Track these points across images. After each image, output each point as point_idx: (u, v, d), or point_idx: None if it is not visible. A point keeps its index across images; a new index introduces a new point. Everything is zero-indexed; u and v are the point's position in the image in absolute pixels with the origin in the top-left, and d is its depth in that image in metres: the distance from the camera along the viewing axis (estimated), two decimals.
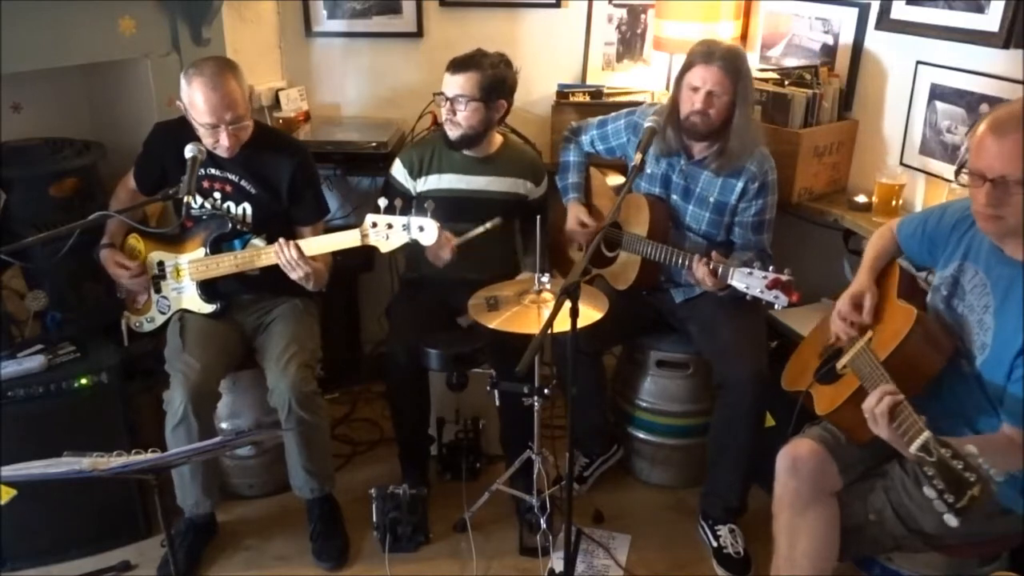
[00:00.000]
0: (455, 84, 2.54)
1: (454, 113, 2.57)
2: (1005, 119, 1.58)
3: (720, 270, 2.20)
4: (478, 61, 2.53)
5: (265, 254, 2.33)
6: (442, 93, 2.57)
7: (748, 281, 2.12)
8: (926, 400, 1.69)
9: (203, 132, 2.29)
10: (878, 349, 1.81)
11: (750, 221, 2.47)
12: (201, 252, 2.40)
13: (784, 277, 2.07)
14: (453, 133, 2.61)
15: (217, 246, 2.41)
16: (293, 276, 2.31)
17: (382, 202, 2.19)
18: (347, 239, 2.25)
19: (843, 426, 1.87)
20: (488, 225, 2.50)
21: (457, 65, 2.54)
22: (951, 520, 1.36)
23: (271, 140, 2.47)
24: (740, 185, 2.44)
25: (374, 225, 2.20)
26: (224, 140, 2.28)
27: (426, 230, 2.17)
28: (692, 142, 2.47)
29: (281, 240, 2.28)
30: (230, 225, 2.40)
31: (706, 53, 2.33)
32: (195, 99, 2.24)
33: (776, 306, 2.09)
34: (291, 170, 2.44)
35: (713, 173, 2.45)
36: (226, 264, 2.38)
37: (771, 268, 2.10)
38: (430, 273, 2.63)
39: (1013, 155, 1.55)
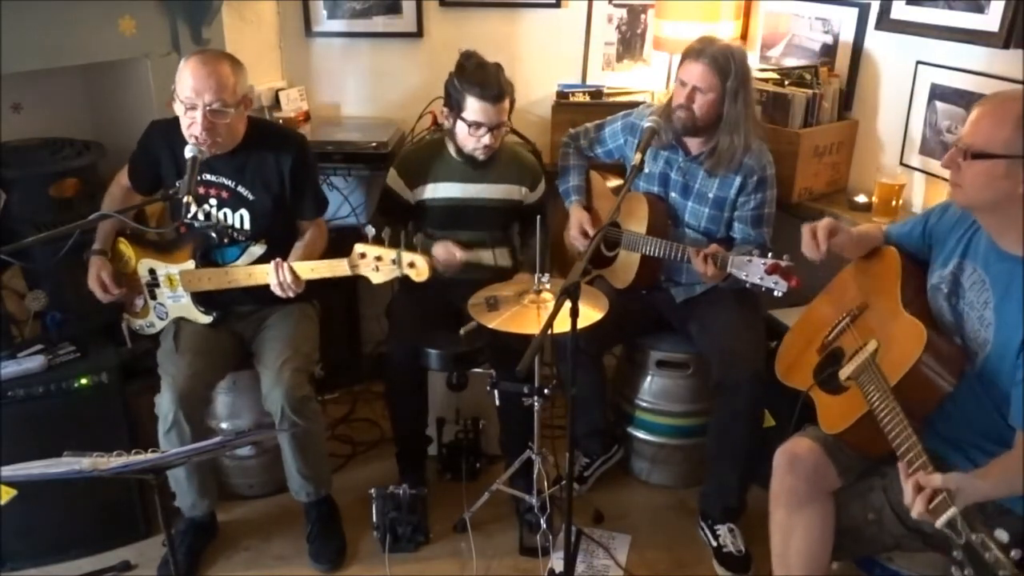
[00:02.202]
0: (499, 113, 2.51)
1: (494, 139, 2.55)
2: (992, 95, 1.71)
3: (719, 259, 2.20)
4: (505, 83, 2.51)
5: (255, 274, 2.30)
6: (479, 123, 2.51)
7: (747, 269, 2.12)
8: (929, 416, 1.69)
9: (181, 113, 2.23)
10: (886, 368, 1.77)
11: (749, 215, 2.47)
12: (191, 264, 2.38)
13: (783, 263, 2.06)
14: (486, 155, 2.60)
15: (207, 258, 2.40)
16: (280, 294, 2.27)
17: (369, 231, 2.16)
18: (336, 268, 2.23)
19: (851, 444, 1.84)
20: (499, 263, 2.53)
21: (493, 93, 2.47)
22: None
23: (266, 135, 2.42)
24: (739, 180, 2.44)
25: (362, 256, 2.18)
26: (197, 123, 2.19)
27: (417, 266, 2.15)
28: (684, 137, 2.47)
29: (276, 261, 2.24)
30: (215, 238, 2.38)
31: (698, 49, 2.35)
32: (183, 74, 2.20)
33: (776, 292, 2.07)
34: (291, 160, 2.39)
35: (707, 172, 2.46)
36: (216, 279, 2.36)
37: (770, 255, 2.09)
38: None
39: (978, 125, 1.64)
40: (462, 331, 2.43)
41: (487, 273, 2.61)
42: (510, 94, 2.53)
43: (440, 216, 2.68)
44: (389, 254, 2.16)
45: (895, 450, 1.60)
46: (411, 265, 2.15)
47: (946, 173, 2.44)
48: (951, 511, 1.38)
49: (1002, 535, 1.34)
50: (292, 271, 2.23)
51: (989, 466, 1.64)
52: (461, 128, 2.55)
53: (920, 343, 1.73)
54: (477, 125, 2.52)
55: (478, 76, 2.50)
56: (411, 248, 2.16)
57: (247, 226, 2.41)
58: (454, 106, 2.54)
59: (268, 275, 2.25)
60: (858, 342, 1.92)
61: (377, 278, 2.20)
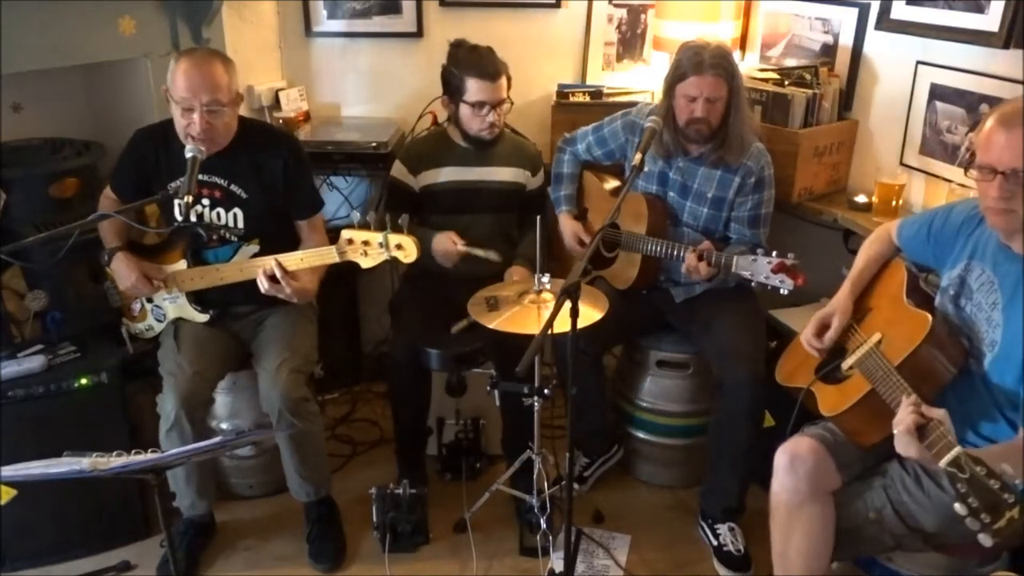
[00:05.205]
0: (499, 90, 2.58)
1: (498, 117, 2.61)
2: (1013, 114, 1.60)
3: (713, 257, 2.21)
4: (499, 62, 2.59)
5: (250, 267, 2.29)
6: (481, 102, 2.56)
7: (753, 268, 2.13)
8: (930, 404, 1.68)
9: (177, 115, 2.23)
10: (890, 354, 1.79)
11: (746, 215, 2.48)
12: (183, 264, 2.38)
13: (789, 261, 2.08)
14: (493, 133, 2.65)
15: (198, 257, 2.39)
16: (277, 294, 2.26)
17: (355, 216, 2.15)
18: (326, 255, 2.22)
19: (849, 429, 1.86)
20: (493, 256, 2.54)
21: (491, 71, 2.55)
22: (986, 540, 1.33)
23: (257, 135, 2.41)
24: (737, 180, 2.44)
25: (350, 242, 2.17)
26: (196, 123, 2.19)
27: (404, 248, 2.14)
28: (691, 144, 2.47)
29: (267, 264, 2.23)
30: (204, 235, 2.37)
31: (696, 63, 2.32)
32: (177, 76, 2.20)
33: (782, 290, 2.09)
34: (283, 161, 2.38)
35: (711, 166, 2.46)
36: (211, 276, 2.36)
37: (775, 253, 2.10)
38: (432, 268, 2.63)
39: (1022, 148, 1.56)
40: (453, 330, 2.46)
41: (484, 269, 2.61)
42: (506, 72, 2.60)
43: (446, 201, 2.70)
44: (376, 238, 2.14)
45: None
46: (399, 247, 2.14)
47: (946, 173, 2.50)
48: (955, 450, 1.41)
49: (1007, 468, 1.35)
50: (280, 265, 2.22)
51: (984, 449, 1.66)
52: (465, 111, 2.61)
53: (924, 329, 1.75)
54: (480, 105, 2.57)
55: (473, 58, 2.58)
56: (397, 230, 2.14)
57: (240, 225, 2.40)
58: (455, 92, 2.60)
59: (258, 280, 2.23)
60: (862, 338, 1.93)
61: (367, 263, 2.19)
